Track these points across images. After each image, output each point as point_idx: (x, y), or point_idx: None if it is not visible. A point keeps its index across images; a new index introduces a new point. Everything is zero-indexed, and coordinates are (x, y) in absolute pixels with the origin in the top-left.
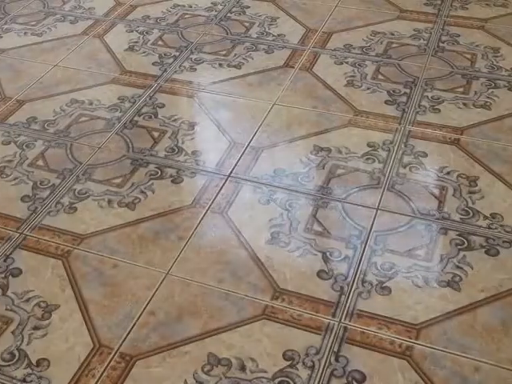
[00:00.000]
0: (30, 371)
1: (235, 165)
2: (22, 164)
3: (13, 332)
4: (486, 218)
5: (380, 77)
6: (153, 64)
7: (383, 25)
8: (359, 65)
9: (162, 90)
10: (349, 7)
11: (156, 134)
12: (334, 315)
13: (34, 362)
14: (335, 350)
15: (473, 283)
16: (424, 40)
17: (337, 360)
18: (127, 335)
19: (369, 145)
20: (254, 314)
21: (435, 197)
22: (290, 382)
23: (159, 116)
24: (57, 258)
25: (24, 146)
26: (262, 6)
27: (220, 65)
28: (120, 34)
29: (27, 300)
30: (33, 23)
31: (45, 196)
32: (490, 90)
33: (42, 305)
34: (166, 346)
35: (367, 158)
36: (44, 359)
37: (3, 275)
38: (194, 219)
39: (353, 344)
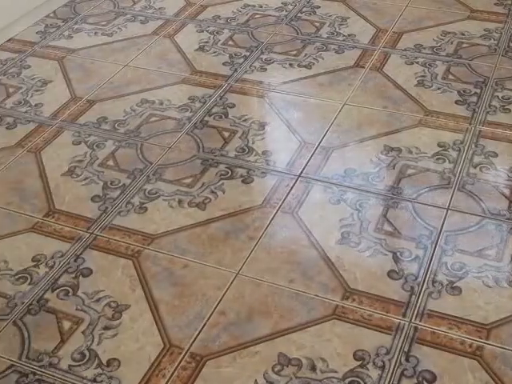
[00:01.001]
0: (101, 371)
1: (305, 165)
2: (92, 164)
3: (83, 332)
4: None
5: (450, 77)
6: (223, 64)
7: (453, 25)
8: (429, 65)
9: (232, 90)
10: (419, 7)
11: (226, 134)
12: (404, 315)
13: (104, 362)
14: (405, 350)
15: None
16: (494, 40)
17: (407, 360)
18: (197, 335)
19: (439, 145)
20: (325, 314)
21: (505, 197)
22: (361, 382)
23: (230, 116)
24: (127, 257)
25: (94, 146)
26: (332, 5)
27: (290, 65)
28: (190, 34)
29: (97, 300)
30: (103, 23)
31: (115, 196)
32: None
33: (113, 305)
34: (237, 346)
35: (437, 158)
36: (114, 359)
37: (74, 275)
38: (264, 219)
39: (423, 344)
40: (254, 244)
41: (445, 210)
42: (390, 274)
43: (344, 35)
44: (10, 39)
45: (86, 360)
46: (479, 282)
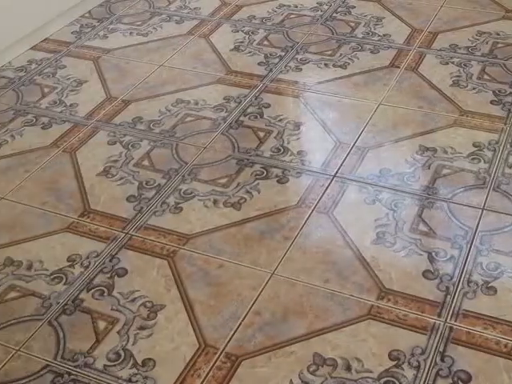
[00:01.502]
0: (136, 371)
1: (341, 165)
2: (127, 164)
3: (118, 332)
4: None
5: (485, 77)
6: (258, 64)
7: (488, 25)
8: (465, 65)
9: (267, 89)
10: (454, 7)
11: (261, 134)
12: (439, 315)
13: (139, 362)
14: (441, 349)
15: None
16: None
17: (442, 360)
18: (233, 335)
19: (474, 145)
20: (360, 314)
21: None
22: (396, 382)
23: (265, 116)
24: (162, 258)
25: (130, 146)
26: (367, 5)
27: (325, 65)
28: (225, 34)
29: (133, 300)
30: (138, 23)
31: (150, 196)
32: None
33: (148, 305)
34: (272, 345)
35: (473, 158)
36: (149, 359)
37: (109, 275)
38: (299, 219)
39: (458, 344)
40: (289, 244)
41: (480, 210)
42: (425, 274)
43: (379, 35)
44: (45, 39)
45: (121, 360)
46: None
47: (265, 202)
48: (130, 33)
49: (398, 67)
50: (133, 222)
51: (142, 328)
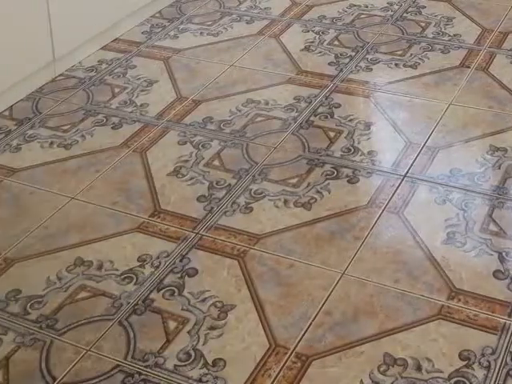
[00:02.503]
0: (206, 371)
1: (411, 165)
2: (198, 164)
3: (189, 332)
4: None
5: None
6: (329, 64)
7: None
8: None
9: (337, 89)
10: None
11: (332, 134)
12: (510, 315)
13: (209, 362)
14: (511, 350)
15: None
16: None
17: None
18: (303, 335)
19: None
20: (430, 314)
21: None
22: (466, 382)
23: (335, 116)
24: (233, 258)
25: (200, 146)
26: (437, 6)
27: (396, 65)
28: (296, 34)
29: (203, 300)
30: (209, 23)
31: (221, 196)
32: None
33: (218, 305)
34: (342, 345)
35: None
36: (220, 359)
37: (179, 275)
38: (369, 219)
39: None
40: (359, 244)
41: None
42: (496, 274)
43: (449, 35)
44: (115, 39)
45: (191, 360)
46: None
47: (335, 202)
48: (201, 33)
49: (469, 67)
50: (203, 221)
51: (212, 328)
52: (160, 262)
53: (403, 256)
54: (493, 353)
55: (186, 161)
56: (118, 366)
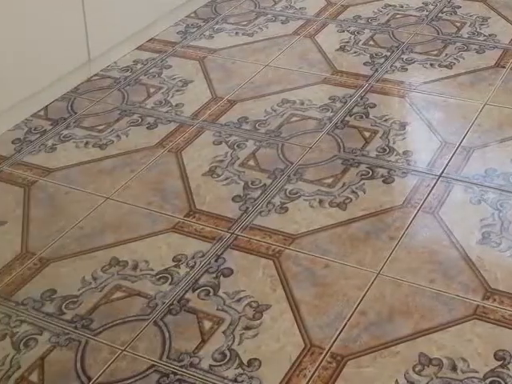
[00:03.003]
0: (241, 371)
1: (446, 165)
2: (233, 164)
3: (224, 332)
4: None
5: None
6: (364, 64)
7: None
8: None
9: (373, 89)
10: None
11: (367, 134)
12: None
13: (245, 362)
14: None
15: None
16: None
17: None
18: (338, 335)
19: None
20: (465, 314)
21: None
22: (502, 382)
23: (370, 116)
24: (268, 258)
25: (235, 146)
26: (473, 5)
27: (431, 65)
28: (331, 34)
29: (238, 300)
30: (244, 23)
31: (256, 196)
32: None
33: (253, 305)
34: (377, 345)
35: None
36: (255, 359)
37: (214, 275)
38: (405, 219)
39: None
40: (394, 244)
41: None
42: None
43: (485, 35)
44: (150, 39)
45: (226, 360)
46: None
47: (370, 202)
48: (236, 33)
49: (504, 67)
50: (238, 221)
51: (247, 328)
52: (195, 262)
53: (438, 256)
54: None
55: (222, 161)
56: (153, 365)
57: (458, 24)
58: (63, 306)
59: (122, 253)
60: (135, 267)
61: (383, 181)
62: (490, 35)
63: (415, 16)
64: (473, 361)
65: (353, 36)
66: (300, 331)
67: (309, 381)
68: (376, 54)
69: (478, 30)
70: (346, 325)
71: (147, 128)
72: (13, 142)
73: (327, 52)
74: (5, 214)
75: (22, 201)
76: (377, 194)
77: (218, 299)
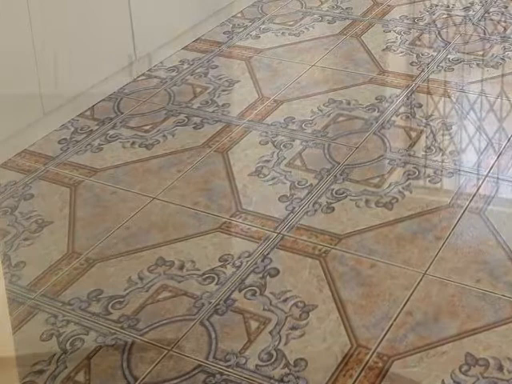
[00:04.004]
0: (288, 371)
1: (493, 165)
2: (279, 164)
3: (270, 332)
4: None
5: None
6: (410, 64)
7: None
8: None
9: (419, 89)
10: None
11: (413, 134)
12: None
13: (291, 362)
14: None
15: None
16: None
17: None
18: (384, 335)
19: None
20: None
21: None
22: None
23: (417, 116)
24: (314, 258)
25: (281, 146)
26: None
27: (477, 65)
28: (377, 34)
29: (285, 300)
30: (290, 23)
31: (302, 196)
32: None
33: (300, 305)
34: (424, 346)
35: None
36: (301, 359)
37: (261, 275)
38: (451, 219)
39: None
40: (441, 244)
41: None
42: None
43: None
44: (197, 39)
45: (273, 360)
46: None
47: (417, 202)
48: (282, 33)
49: None
50: (285, 221)
51: (293, 328)
52: (241, 262)
53: (485, 256)
54: None
55: (268, 161)
56: (199, 366)
57: (505, 24)
58: (109, 306)
59: (168, 253)
60: (181, 267)
61: (429, 181)
62: None
63: (461, 16)
64: None
65: (399, 36)
66: (346, 331)
67: (355, 381)
68: (422, 54)
69: None
70: (392, 325)
71: (193, 128)
72: (59, 142)
73: (373, 52)
74: (51, 214)
75: (68, 201)
76: (423, 194)
77: (265, 299)
